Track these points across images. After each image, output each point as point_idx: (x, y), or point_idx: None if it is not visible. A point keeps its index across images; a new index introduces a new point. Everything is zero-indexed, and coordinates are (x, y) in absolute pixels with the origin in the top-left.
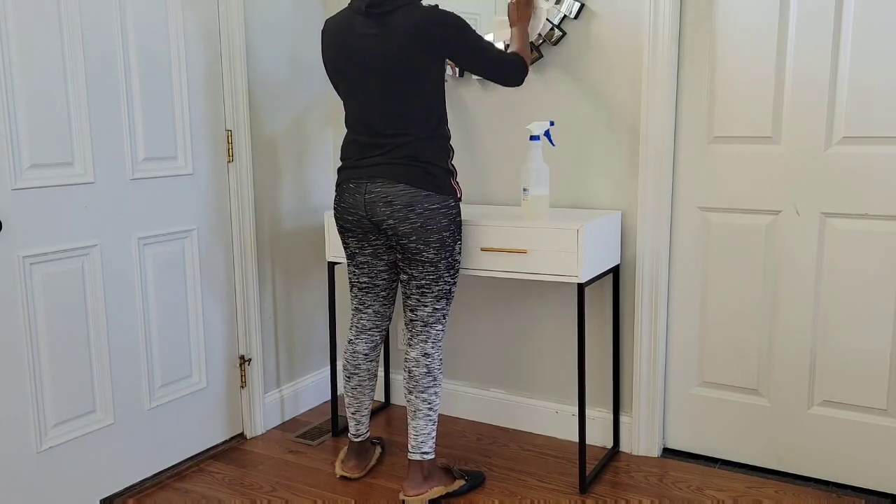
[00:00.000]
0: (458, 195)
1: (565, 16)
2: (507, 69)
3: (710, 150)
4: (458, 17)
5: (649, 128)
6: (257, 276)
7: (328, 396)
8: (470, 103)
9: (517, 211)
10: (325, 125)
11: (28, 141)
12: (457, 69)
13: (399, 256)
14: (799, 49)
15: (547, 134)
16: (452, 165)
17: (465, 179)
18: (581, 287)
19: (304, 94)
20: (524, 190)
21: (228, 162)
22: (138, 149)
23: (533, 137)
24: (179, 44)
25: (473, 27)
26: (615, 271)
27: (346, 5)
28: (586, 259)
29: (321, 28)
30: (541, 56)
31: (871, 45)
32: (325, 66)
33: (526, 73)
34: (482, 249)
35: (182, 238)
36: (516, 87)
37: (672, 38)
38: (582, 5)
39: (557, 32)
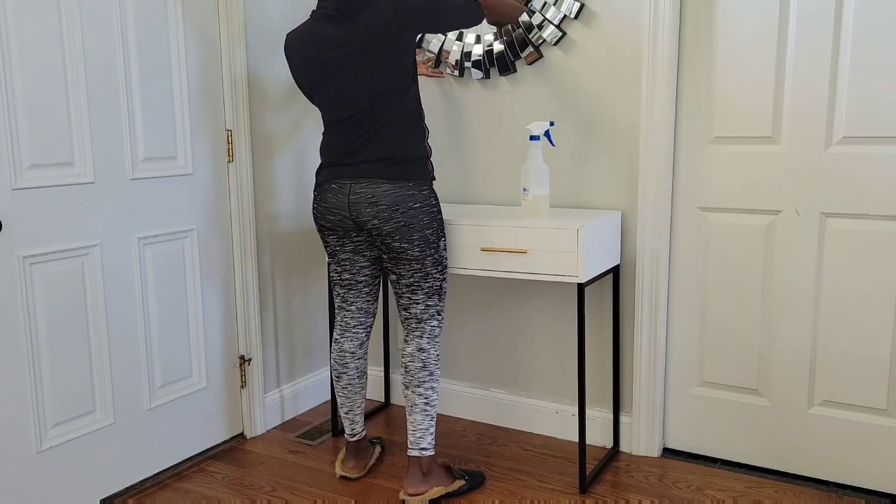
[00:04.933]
0: (432, 174)
1: (565, 16)
2: (465, 16)
3: (710, 150)
4: None
5: (649, 128)
6: (257, 276)
7: (328, 396)
8: (469, 103)
9: (517, 211)
10: None
11: (28, 141)
12: (456, 71)
13: (385, 257)
14: (799, 49)
15: (547, 134)
16: (428, 145)
17: (465, 180)
18: (581, 287)
19: None
20: (524, 190)
21: (228, 162)
22: (138, 149)
23: (533, 137)
24: (179, 44)
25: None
26: (615, 271)
27: (308, 17)
28: (586, 259)
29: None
30: (541, 56)
31: (871, 45)
32: (294, 79)
33: (479, 7)
34: (482, 249)
35: (182, 238)
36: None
37: (672, 38)
38: (582, 5)
39: (557, 32)
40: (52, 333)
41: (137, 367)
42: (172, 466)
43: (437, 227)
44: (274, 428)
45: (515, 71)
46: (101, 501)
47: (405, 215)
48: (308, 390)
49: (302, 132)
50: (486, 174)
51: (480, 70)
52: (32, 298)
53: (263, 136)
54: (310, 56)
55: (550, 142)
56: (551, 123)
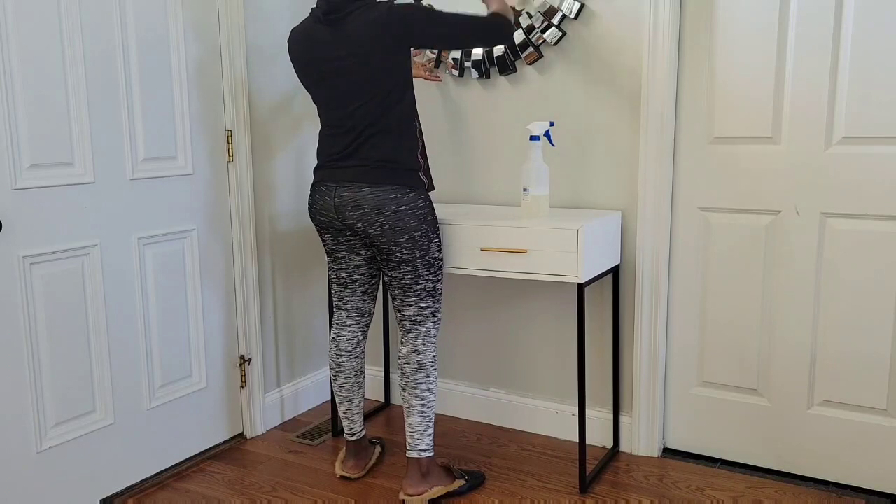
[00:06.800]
0: (427, 186)
1: (565, 16)
2: (483, 32)
3: (710, 150)
4: (418, 6)
5: (649, 128)
6: (257, 276)
7: (328, 396)
8: (470, 103)
9: (517, 211)
10: None
11: (28, 141)
12: (456, 70)
13: (378, 258)
14: (799, 49)
15: (547, 134)
16: (421, 158)
17: (465, 180)
18: (581, 287)
19: (304, 93)
20: (524, 190)
21: (228, 162)
22: (138, 149)
23: (533, 137)
24: (179, 43)
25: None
26: (615, 271)
27: (309, 14)
28: (586, 259)
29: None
30: (540, 56)
31: (871, 45)
32: (296, 73)
33: (510, 28)
34: (482, 249)
35: (182, 238)
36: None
37: (672, 38)
38: (582, 5)
39: (557, 32)
40: (52, 333)
41: (137, 367)
42: (172, 466)
43: (428, 228)
44: (274, 428)
45: (515, 71)
46: (101, 501)
47: (389, 218)
48: (308, 390)
49: (302, 132)
50: (486, 174)
51: (480, 70)
52: (32, 298)
53: (263, 136)
54: (305, 57)
55: (550, 142)
56: (551, 123)
